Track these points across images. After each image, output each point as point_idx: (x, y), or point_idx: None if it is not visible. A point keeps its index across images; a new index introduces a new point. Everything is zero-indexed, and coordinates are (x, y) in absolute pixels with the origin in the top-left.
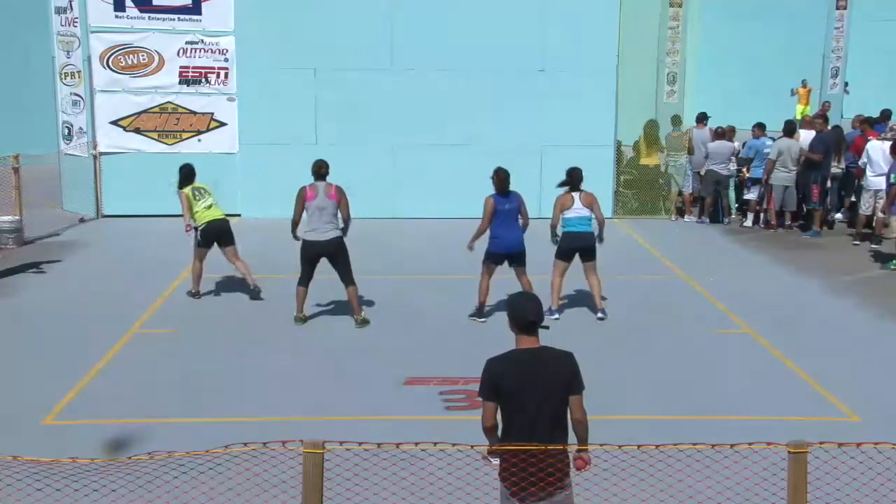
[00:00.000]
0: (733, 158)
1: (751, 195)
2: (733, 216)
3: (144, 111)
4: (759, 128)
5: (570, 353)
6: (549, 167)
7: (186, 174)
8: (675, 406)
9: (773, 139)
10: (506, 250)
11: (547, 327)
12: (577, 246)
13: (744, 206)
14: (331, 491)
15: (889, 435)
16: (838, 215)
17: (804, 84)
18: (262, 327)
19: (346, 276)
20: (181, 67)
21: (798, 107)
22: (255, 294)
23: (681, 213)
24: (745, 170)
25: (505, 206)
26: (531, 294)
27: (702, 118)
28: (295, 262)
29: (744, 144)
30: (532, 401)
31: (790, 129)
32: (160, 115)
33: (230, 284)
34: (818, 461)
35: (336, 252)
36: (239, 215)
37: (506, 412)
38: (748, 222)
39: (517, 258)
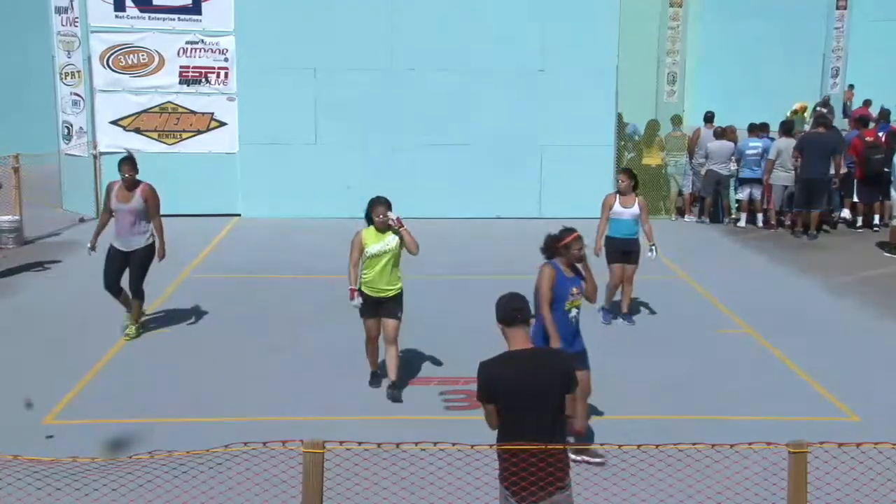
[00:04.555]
0: (733, 158)
1: (741, 195)
2: (733, 216)
3: (144, 111)
4: (759, 128)
5: (563, 352)
6: (549, 167)
7: (372, 206)
8: (675, 406)
9: (772, 139)
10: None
11: (533, 316)
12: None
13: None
14: (331, 491)
15: (889, 435)
16: (845, 212)
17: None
18: (262, 327)
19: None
20: (181, 67)
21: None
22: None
23: (681, 213)
24: None
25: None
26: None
27: (710, 118)
28: (293, 261)
29: None
30: (530, 401)
31: (788, 129)
32: (160, 114)
33: (229, 284)
34: (818, 461)
35: None
36: (239, 215)
37: (504, 413)
38: (741, 222)
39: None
